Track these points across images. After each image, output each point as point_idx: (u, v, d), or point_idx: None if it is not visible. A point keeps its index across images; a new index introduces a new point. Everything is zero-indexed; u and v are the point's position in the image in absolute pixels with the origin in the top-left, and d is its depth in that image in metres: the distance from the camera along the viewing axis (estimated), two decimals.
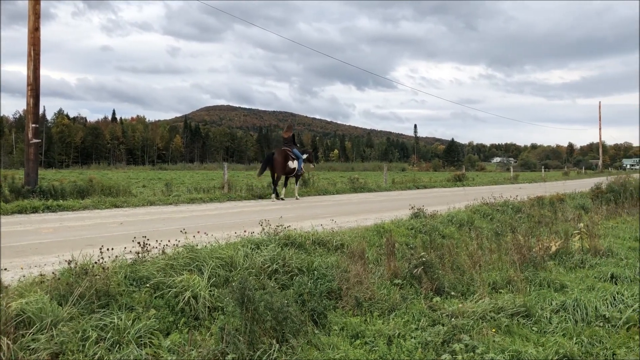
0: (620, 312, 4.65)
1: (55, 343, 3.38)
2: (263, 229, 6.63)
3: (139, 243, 5.09)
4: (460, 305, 4.67)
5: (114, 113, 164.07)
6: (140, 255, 5.01)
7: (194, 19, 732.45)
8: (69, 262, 4.33)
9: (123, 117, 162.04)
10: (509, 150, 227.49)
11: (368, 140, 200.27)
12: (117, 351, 3.46)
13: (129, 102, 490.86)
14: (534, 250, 6.77)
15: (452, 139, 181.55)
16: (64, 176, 28.73)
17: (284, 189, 16.45)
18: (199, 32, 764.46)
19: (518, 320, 4.50)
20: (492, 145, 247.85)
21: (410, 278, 5.41)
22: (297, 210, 12.22)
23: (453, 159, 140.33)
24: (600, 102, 72.11)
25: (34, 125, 13.37)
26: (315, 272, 5.23)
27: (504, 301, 4.75)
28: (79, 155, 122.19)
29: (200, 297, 4.30)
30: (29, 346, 3.36)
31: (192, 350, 3.54)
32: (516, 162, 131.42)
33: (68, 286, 4.04)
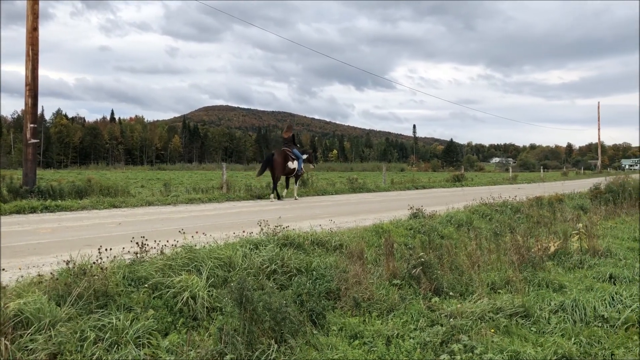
0: (619, 313, 4.65)
1: (54, 343, 3.37)
2: (262, 229, 6.63)
3: (137, 243, 5.09)
4: (459, 305, 4.67)
5: (112, 113, 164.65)
6: (138, 255, 5.00)
7: (193, 19, 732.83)
8: (67, 263, 4.33)
9: (121, 117, 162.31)
10: (508, 150, 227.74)
11: (367, 140, 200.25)
12: (115, 351, 3.46)
13: (127, 102, 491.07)
14: (532, 250, 6.77)
15: (451, 139, 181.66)
16: (62, 176, 28.70)
17: (285, 189, 16.45)
18: (197, 32, 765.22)
19: (517, 321, 4.50)
20: (491, 146, 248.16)
21: (409, 278, 5.40)
22: (296, 211, 12.21)
23: (452, 159, 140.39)
24: (599, 103, 72.33)
25: (32, 125, 13.36)
26: (314, 272, 5.23)
27: (502, 301, 4.74)
28: (78, 155, 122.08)
29: (198, 298, 4.30)
30: (27, 346, 3.35)
31: (191, 350, 3.54)
32: (515, 162, 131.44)
33: (66, 286, 4.04)
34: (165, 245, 5.40)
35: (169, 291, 4.33)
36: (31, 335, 3.44)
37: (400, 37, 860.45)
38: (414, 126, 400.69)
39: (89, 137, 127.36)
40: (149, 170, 70.27)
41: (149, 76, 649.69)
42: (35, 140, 13.46)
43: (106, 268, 4.35)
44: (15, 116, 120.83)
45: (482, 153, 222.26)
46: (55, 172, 47.92)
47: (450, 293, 5.24)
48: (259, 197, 15.88)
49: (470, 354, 3.72)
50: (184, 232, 5.82)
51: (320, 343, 3.93)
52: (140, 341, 3.62)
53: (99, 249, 4.72)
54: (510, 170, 48.80)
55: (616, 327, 4.41)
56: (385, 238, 6.30)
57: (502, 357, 3.71)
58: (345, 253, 5.91)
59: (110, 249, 5.01)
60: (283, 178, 16.59)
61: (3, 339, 3.31)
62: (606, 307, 4.83)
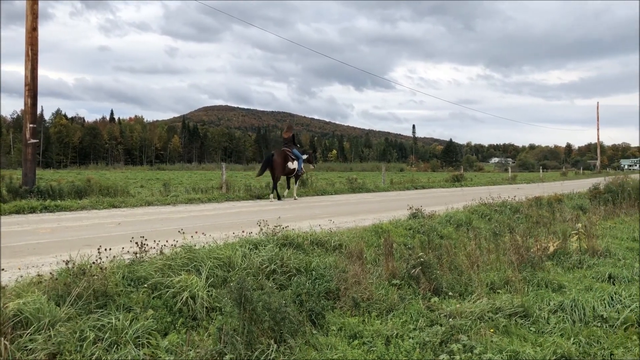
0: (618, 313, 4.65)
1: (53, 343, 3.37)
2: (261, 229, 6.63)
3: (136, 243, 5.09)
4: (458, 305, 4.67)
5: (112, 113, 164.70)
6: (138, 255, 5.00)
7: (192, 19, 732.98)
8: (67, 263, 4.33)
9: (121, 117, 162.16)
10: (507, 150, 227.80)
11: (366, 140, 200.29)
12: (114, 351, 3.46)
13: (126, 102, 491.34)
14: (532, 250, 6.77)
15: (451, 139, 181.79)
16: (61, 176, 28.69)
17: (286, 190, 16.45)
18: (197, 32, 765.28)
19: (516, 321, 4.50)
20: (490, 146, 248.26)
21: (409, 278, 5.40)
22: (296, 211, 12.21)
23: (451, 159, 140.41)
24: (598, 103, 72.31)
25: (31, 125, 13.35)
26: (314, 272, 5.23)
27: (502, 301, 4.75)
28: (77, 155, 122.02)
29: (198, 298, 4.30)
30: (26, 346, 3.35)
31: (190, 350, 3.54)
32: (514, 162, 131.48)
33: (66, 286, 4.04)
34: (164, 245, 5.40)
35: (168, 291, 4.33)
36: (30, 335, 3.44)
37: (399, 38, 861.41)
38: (414, 126, 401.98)
39: (89, 137, 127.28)
40: (148, 170, 70.25)
41: (148, 76, 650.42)
42: (35, 140, 13.45)
43: (105, 268, 4.35)
44: (15, 116, 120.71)
45: (482, 153, 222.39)
46: (55, 172, 47.88)
47: (450, 293, 5.24)
48: (259, 197, 15.87)
49: (470, 354, 3.72)
50: (183, 232, 5.82)
51: (320, 343, 3.93)
52: (139, 341, 3.62)
53: (98, 249, 4.72)
54: (510, 170, 48.83)
55: (615, 327, 4.41)
56: (384, 238, 6.30)
57: (501, 357, 3.71)
58: (344, 253, 5.91)
59: (110, 249, 5.01)
60: (283, 178, 16.59)
61: (2, 338, 3.31)
62: (605, 307, 4.83)
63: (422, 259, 5.39)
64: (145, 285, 4.40)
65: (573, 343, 4.03)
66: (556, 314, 4.73)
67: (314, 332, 4.16)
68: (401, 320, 4.42)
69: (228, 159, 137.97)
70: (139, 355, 3.45)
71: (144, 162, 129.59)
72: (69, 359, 3.31)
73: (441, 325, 4.24)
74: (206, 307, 4.30)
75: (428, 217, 9.38)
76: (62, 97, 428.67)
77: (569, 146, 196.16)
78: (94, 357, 3.36)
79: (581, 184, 24.81)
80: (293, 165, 15.83)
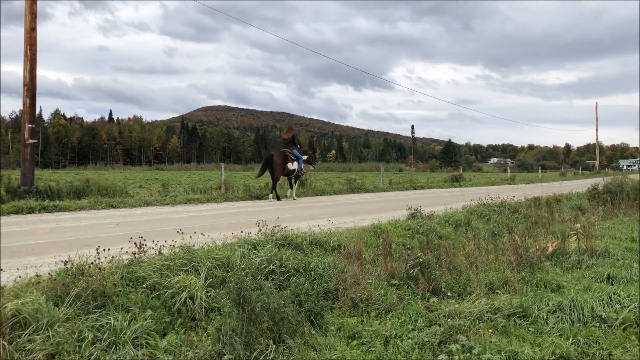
0: (617, 313, 4.65)
1: (51, 344, 3.36)
2: (260, 230, 6.63)
3: (135, 243, 5.08)
4: (457, 305, 4.67)
5: (110, 113, 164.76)
6: (136, 255, 5.00)
7: (191, 19, 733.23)
8: (65, 263, 4.32)
9: (120, 118, 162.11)
10: (506, 150, 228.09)
11: (365, 140, 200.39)
12: (113, 352, 3.45)
13: (125, 103, 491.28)
14: (530, 250, 6.78)
15: (449, 139, 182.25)
16: (60, 176, 28.68)
17: (289, 190, 16.45)
18: (195, 32, 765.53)
19: (515, 321, 4.50)
20: (489, 146, 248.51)
21: (407, 278, 5.40)
22: (294, 211, 12.21)
23: (450, 159, 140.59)
24: (597, 103, 72.60)
25: (30, 125, 13.34)
26: (312, 272, 5.23)
27: (500, 302, 4.75)
28: (76, 155, 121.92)
29: (196, 298, 4.29)
30: (24, 347, 3.35)
31: (189, 350, 3.54)
32: (513, 162, 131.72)
33: (64, 287, 4.03)
34: (163, 245, 5.39)
35: (167, 291, 4.33)
36: (29, 335, 3.43)
37: (398, 38, 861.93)
38: (412, 126, 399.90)
39: (87, 137, 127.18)
40: (147, 171, 70.21)
41: (147, 76, 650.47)
42: (33, 141, 13.43)
43: (104, 268, 4.34)
44: (13, 116, 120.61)
45: (481, 153, 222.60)
46: (54, 173, 47.84)
47: (448, 293, 5.24)
48: (258, 198, 15.87)
49: (468, 354, 3.72)
50: (182, 233, 5.82)
51: (319, 343, 3.93)
52: (138, 341, 3.61)
53: (97, 250, 4.71)
54: (509, 170, 48.88)
55: (614, 327, 4.41)
56: (383, 238, 6.30)
57: (500, 357, 3.71)
58: (343, 253, 5.91)
59: (109, 249, 5.01)
60: (283, 179, 16.59)
61: (1, 339, 3.31)
62: (604, 307, 4.84)
63: (421, 259, 5.39)
64: (144, 286, 4.40)
65: (572, 343, 4.03)
66: (555, 314, 4.73)
67: (313, 332, 4.16)
68: (400, 321, 4.42)
69: (227, 159, 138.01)
70: (137, 355, 3.44)
71: (142, 162, 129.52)
72: (67, 359, 3.31)
73: (440, 325, 4.24)
74: (205, 308, 4.30)
75: (427, 217, 9.38)
76: (61, 97, 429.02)
77: (567, 146, 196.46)
78: (93, 357, 3.35)
79: (580, 184, 24.84)
80: (293, 166, 15.83)
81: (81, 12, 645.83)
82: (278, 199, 15.55)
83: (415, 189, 24.70)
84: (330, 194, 18.66)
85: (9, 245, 6.78)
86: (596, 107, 71.41)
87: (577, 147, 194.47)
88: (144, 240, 5.21)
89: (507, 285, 5.52)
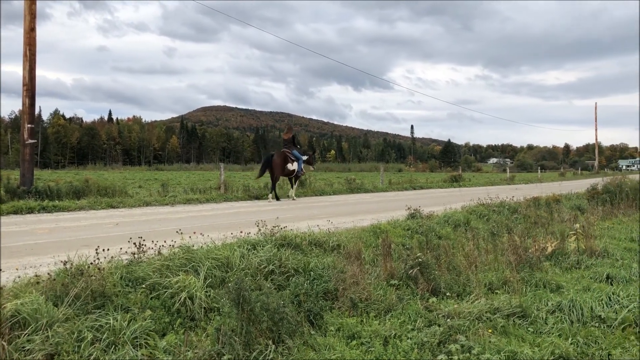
0: (616, 313, 4.65)
1: (51, 344, 3.36)
2: (259, 230, 6.63)
3: (134, 244, 5.08)
4: (456, 305, 4.67)
5: (110, 113, 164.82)
6: (136, 255, 5.00)
7: (190, 19, 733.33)
8: (65, 263, 4.32)
9: (119, 118, 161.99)
10: (506, 151, 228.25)
11: (365, 141, 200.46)
12: (112, 352, 3.45)
13: (125, 103, 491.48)
14: (530, 250, 6.78)
15: (449, 139, 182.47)
16: (59, 177, 28.67)
17: (291, 189, 16.45)
18: (195, 32, 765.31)
19: (514, 321, 4.51)
20: (489, 146, 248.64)
21: (407, 279, 5.40)
22: (294, 211, 12.22)
23: (449, 159, 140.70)
24: (596, 103, 72.76)
25: (29, 125, 13.33)
26: (312, 272, 5.23)
27: (500, 302, 4.75)
28: (75, 155, 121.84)
29: (196, 298, 4.29)
30: (24, 347, 3.35)
31: (188, 351, 3.54)
32: (512, 163, 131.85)
33: (63, 287, 4.03)
34: (162, 245, 5.39)
35: (166, 292, 4.33)
36: (28, 335, 3.43)
37: (397, 38, 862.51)
38: (412, 127, 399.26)
39: (87, 137, 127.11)
40: (146, 171, 70.11)
41: (146, 76, 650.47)
42: (33, 141, 13.43)
43: (103, 268, 4.34)
44: (13, 116, 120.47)
45: (480, 154, 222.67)
46: (53, 173, 47.80)
47: (448, 293, 5.24)
48: (257, 198, 15.87)
49: (468, 354, 3.72)
50: (181, 233, 5.82)
51: (318, 343, 3.93)
52: (137, 342, 3.61)
53: (96, 250, 4.71)
54: (508, 170, 48.87)
55: (613, 328, 4.41)
56: (382, 238, 6.30)
57: (500, 358, 3.71)
58: (342, 253, 5.91)
59: (108, 250, 5.01)
60: (283, 179, 16.59)
61: (0, 339, 3.31)
62: (603, 307, 4.84)
63: (420, 259, 5.39)
64: (144, 286, 4.40)
65: (571, 343, 4.03)
66: (554, 314, 4.73)
67: (312, 332, 4.16)
68: (399, 321, 4.42)
69: (226, 159, 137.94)
70: (137, 355, 3.44)
71: (142, 162, 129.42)
72: (66, 359, 3.31)
73: (439, 325, 4.24)
74: (204, 308, 4.30)
75: (426, 217, 9.38)
76: (60, 98, 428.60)
77: (567, 147, 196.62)
78: (92, 357, 3.35)
79: (579, 185, 24.85)
80: (293, 166, 15.83)
81: (80, 12, 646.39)
82: (277, 199, 15.55)
83: (414, 189, 24.71)
84: (330, 194, 18.66)
85: (8, 245, 6.78)
86: (595, 107, 71.52)
87: (577, 147, 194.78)
88: (144, 240, 5.21)
89: (507, 286, 5.53)
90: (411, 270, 5.36)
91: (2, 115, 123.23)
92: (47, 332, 3.45)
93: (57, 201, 12.10)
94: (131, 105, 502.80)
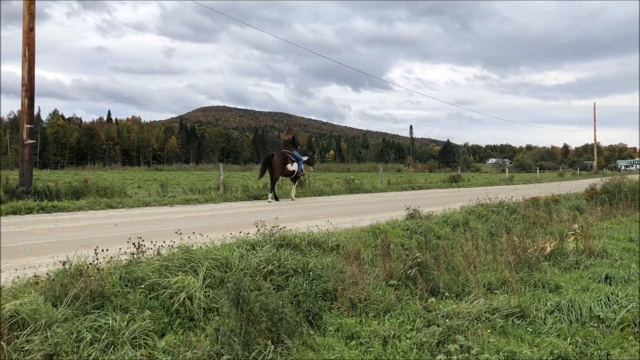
0: (615, 313, 4.66)
1: (50, 344, 3.36)
2: (258, 230, 6.63)
3: (134, 244, 5.08)
4: (455, 306, 4.68)
5: (109, 114, 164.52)
6: (135, 256, 5.00)
7: (189, 19, 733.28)
8: (64, 263, 4.32)
9: (118, 118, 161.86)
10: (504, 151, 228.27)
11: (364, 141, 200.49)
12: (111, 352, 3.45)
13: (124, 103, 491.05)
14: (528, 251, 6.78)
15: (448, 140, 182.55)
16: (58, 177, 28.64)
17: (295, 188, 16.46)
18: (194, 32, 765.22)
19: (513, 321, 4.51)
20: (488, 147, 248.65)
21: (406, 279, 5.41)
22: (293, 211, 12.22)
23: (448, 160, 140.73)
24: (595, 104, 73.02)
25: (28, 125, 13.32)
26: (311, 273, 5.23)
27: (498, 302, 4.75)
28: (74, 156, 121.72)
29: (195, 298, 4.29)
30: (23, 347, 3.35)
31: (187, 351, 3.54)
32: (511, 163, 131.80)
33: (62, 287, 4.03)
34: (161, 246, 5.39)
35: (165, 292, 4.33)
36: (27, 336, 3.43)
37: (396, 38, 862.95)
38: (411, 127, 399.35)
39: (86, 137, 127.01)
40: (145, 171, 69.95)
41: (145, 77, 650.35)
42: (32, 141, 13.42)
43: (102, 269, 4.34)
44: (12, 117, 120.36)
45: (479, 154, 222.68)
46: (52, 173, 47.71)
47: (447, 293, 5.24)
48: (256, 198, 15.87)
49: (467, 354, 3.73)
50: (180, 233, 5.82)
51: (317, 344, 3.94)
52: (136, 342, 3.61)
53: (95, 250, 4.71)
54: (507, 171, 48.90)
55: (612, 328, 4.42)
56: (381, 239, 6.30)
57: (498, 358, 3.72)
58: (342, 254, 5.91)
59: (107, 250, 5.01)
60: (282, 179, 16.58)
61: None
62: (602, 307, 4.85)
63: (419, 260, 5.39)
64: (143, 286, 4.39)
65: (570, 343, 4.04)
66: (553, 314, 4.74)
67: (311, 332, 4.16)
68: (398, 321, 4.42)
69: (225, 159, 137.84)
70: (136, 356, 3.44)
71: (141, 162, 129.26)
72: (65, 359, 3.31)
73: (438, 325, 4.24)
74: (203, 308, 4.30)
75: (425, 217, 9.39)
76: (59, 98, 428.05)
77: (565, 147, 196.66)
78: (91, 358, 3.35)
79: (578, 185, 24.87)
80: (292, 167, 15.85)
81: (79, 12, 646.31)
82: (276, 199, 15.55)
83: (413, 189, 24.71)
84: (329, 195, 18.67)
85: (8, 245, 6.78)
86: (594, 108, 71.69)
87: (575, 148, 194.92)
88: (143, 240, 5.21)
89: (505, 286, 5.53)
90: (410, 271, 5.37)
91: (1, 116, 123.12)
92: (46, 333, 3.45)
93: (56, 201, 12.10)
94: (130, 106, 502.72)
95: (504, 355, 3.75)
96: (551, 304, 4.92)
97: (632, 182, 16.27)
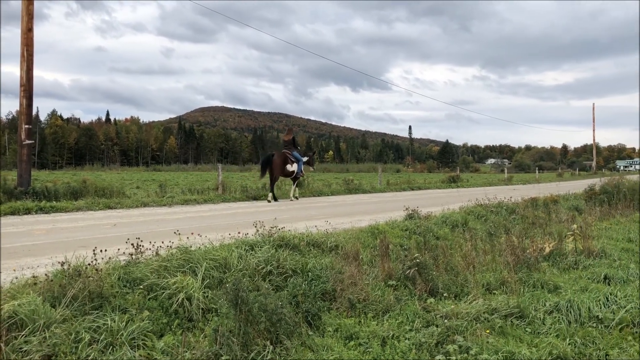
0: (613, 313, 4.67)
1: (48, 345, 3.36)
2: (257, 231, 6.63)
3: (132, 244, 5.08)
4: (454, 306, 4.68)
5: (107, 114, 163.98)
6: (133, 256, 4.99)
7: (188, 19, 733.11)
8: (62, 264, 4.31)
9: (117, 118, 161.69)
10: (503, 151, 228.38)
11: (363, 141, 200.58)
12: (110, 353, 3.45)
13: (122, 103, 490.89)
14: (527, 251, 6.79)
15: (447, 140, 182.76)
16: (57, 177, 28.62)
17: (294, 189, 16.46)
18: (193, 33, 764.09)
19: (512, 321, 4.51)
20: (487, 147, 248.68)
21: (405, 279, 5.41)
22: (292, 212, 12.21)
23: (447, 160, 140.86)
24: (594, 104, 72.93)
25: (27, 126, 13.31)
26: (310, 273, 5.23)
27: (497, 302, 4.76)
28: (73, 156, 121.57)
29: (194, 299, 4.29)
30: (21, 348, 3.34)
31: (186, 351, 3.53)
32: (510, 163, 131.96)
33: (61, 288, 4.02)
34: (160, 246, 5.39)
35: (164, 292, 4.32)
36: (26, 336, 3.43)
37: (395, 38, 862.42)
38: (410, 127, 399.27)
39: (84, 138, 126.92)
40: (144, 172, 69.97)
41: (144, 77, 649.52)
42: (30, 141, 13.40)
43: (101, 269, 4.34)
44: (10, 117, 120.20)
45: (478, 154, 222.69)
46: (50, 173, 47.70)
47: (446, 294, 5.24)
48: (255, 198, 15.87)
49: (466, 355, 3.73)
50: (179, 234, 5.81)
51: (316, 344, 3.93)
52: (135, 342, 3.61)
53: (93, 250, 4.70)
54: (506, 171, 48.96)
55: (610, 328, 4.42)
56: (380, 239, 6.31)
57: (497, 358, 3.72)
58: (340, 254, 5.91)
59: (106, 250, 5.00)
60: (282, 179, 16.58)
61: None
62: (601, 307, 4.85)
63: (418, 260, 5.40)
64: (141, 287, 4.39)
65: (569, 344, 4.04)
66: (552, 314, 4.74)
67: (310, 333, 4.16)
68: (397, 321, 4.42)
69: (224, 160, 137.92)
70: (134, 356, 3.44)
71: (139, 163, 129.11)
72: None
73: (437, 326, 4.25)
74: (202, 309, 4.29)
75: (424, 218, 9.39)
76: (58, 98, 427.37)
77: (564, 147, 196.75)
78: (90, 358, 3.35)
79: (577, 185, 24.89)
80: (292, 167, 15.86)
81: (78, 12, 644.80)
82: (275, 199, 15.55)
83: (412, 189, 24.72)
84: (328, 195, 18.67)
85: (6, 246, 6.76)
86: (593, 108, 71.74)
87: (574, 148, 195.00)
88: (141, 241, 5.21)
89: (504, 286, 5.53)
90: (409, 271, 5.37)
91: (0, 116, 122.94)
92: (45, 333, 3.45)
93: (54, 202, 12.09)
94: (129, 106, 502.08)
95: (502, 356, 3.75)
96: (550, 305, 4.92)
97: (631, 182, 16.29)
